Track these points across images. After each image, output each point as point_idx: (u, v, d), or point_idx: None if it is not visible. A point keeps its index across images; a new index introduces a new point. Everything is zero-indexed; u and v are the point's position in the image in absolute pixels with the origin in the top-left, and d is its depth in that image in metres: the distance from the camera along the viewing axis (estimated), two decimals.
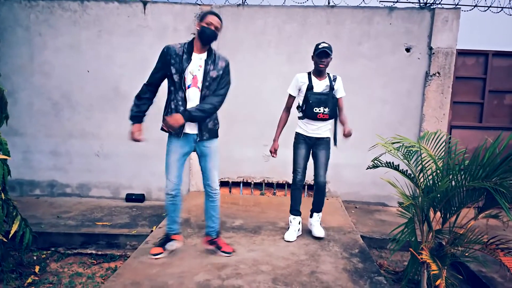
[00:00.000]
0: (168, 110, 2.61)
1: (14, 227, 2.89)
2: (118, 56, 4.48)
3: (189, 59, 2.53)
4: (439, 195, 2.33)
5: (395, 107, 4.51)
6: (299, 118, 3.18)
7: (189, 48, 2.56)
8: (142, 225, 3.78)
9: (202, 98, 2.57)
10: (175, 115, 2.50)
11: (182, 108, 2.54)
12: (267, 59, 4.47)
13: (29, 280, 2.93)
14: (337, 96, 3.15)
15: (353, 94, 4.25)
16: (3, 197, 2.79)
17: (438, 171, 2.43)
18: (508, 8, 4.41)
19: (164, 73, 2.59)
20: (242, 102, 4.39)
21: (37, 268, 3.09)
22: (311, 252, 2.97)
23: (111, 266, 3.24)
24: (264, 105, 4.46)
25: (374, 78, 4.46)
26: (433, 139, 2.65)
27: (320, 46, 2.98)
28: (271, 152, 3.25)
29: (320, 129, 3.12)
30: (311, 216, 3.34)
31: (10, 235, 2.89)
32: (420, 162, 2.53)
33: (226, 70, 2.65)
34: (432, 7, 4.35)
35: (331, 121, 3.20)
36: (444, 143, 2.61)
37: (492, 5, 4.34)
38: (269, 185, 4.79)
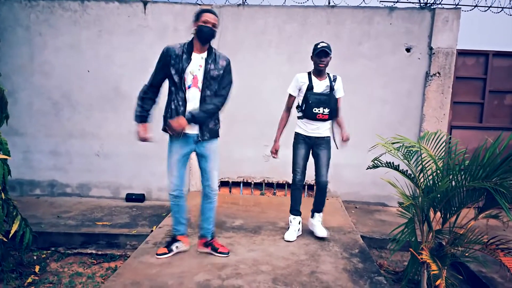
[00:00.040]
0: (168, 111, 2.60)
1: (14, 227, 2.89)
2: (118, 56, 4.48)
3: (189, 59, 2.52)
4: (439, 195, 2.33)
5: (395, 107, 4.51)
6: (299, 118, 3.17)
7: (189, 48, 2.55)
8: (142, 225, 3.78)
9: (203, 98, 2.55)
10: (178, 118, 2.50)
11: (182, 108, 2.53)
12: (267, 59, 4.47)
13: (29, 279, 2.93)
14: (336, 96, 3.15)
15: (353, 94, 4.26)
16: (3, 197, 2.79)
17: (438, 171, 2.43)
18: (509, 8, 4.41)
19: (165, 74, 2.57)
20: (242, 102, 4.39)
21: (37, 268, 3.09)
22: (311, 252, 2.97)
23: (111, 266, 3.24)
24: (264, 105, 4.46)
25: (374, 78, 4.46)
26: (433, 139, 2.65)
27: (319, 46, 2.98)
28: (272, 153, 3.25)
29: (320, 129, 3.12)
30: (312, 216, 3.34)
31: (10, 235, 2.89)
32: (420, 162, 2.53)
33: (227, 69, 2.64)
34: (432, 7, 4.35)
35: (331, 121, 3.20)
36: (444, 143, 2.61)
37: (492, 5, 4.34)
38: (269, 185, 4.79)
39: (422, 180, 2.53)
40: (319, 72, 3.07)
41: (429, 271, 2.35)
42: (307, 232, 3.36)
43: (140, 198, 4.63)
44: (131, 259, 2.76)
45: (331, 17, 4.39)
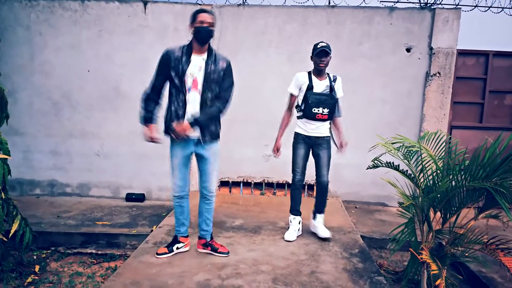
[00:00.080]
0: (168, 113, 2.61)
1: (14, 227, 2.89)
2: (118, 55, 4.49)
3: (188, 61, 2.52)
4: (439, 195, 2.33)
5: (396, 107, 4.51)
6: (298, 118, 3.17)
7: (188, 50, 2.54)
8: (142, 225, 3.78)
9: (203, 100, 2.54)
10: (182, 123, 2.50)
11: (182, 110, 2.53)
12: (268, 59, 4.47)
13: (29, 279, 2.93)
14: (336, 96, 3.15)
15: (353, 94, 4.26)
16: (3, 197, 2.79)
17: (438, 171, 2.43)
18: (509, 8, 4.41)
19: (165, 77, 2.57)
20: (242, 102, 4.38)
21: (37, 268, 3.09)
22: (311, 252, 2.97)
23: (111, 266, 3.24)
24: (264, 105, 4.46)
25: (374, 78, 4.46)
26: (433, 139, 2.65)
27: (318, 46, 2.98)
28: (273, 151, 3.24)
29: (320, 128, 3.12)
30: (314, 218, 3.32)
31: (10, 235, 2.89)
32: (420, 162, 2.53)
33: (228, 70, 2.63)
34: (432, 7, 4.35)
35: (330, 121, 3.20)
36: (444, 143, 2.61)
37: (492, 5, 4.34)
38: (269, 185, 4.79)
39: (422, 180, 2.53)
40: (319, 72, 3.07)
41: (429, 271, 2.35)
42: (307, 232, 3.36)
43: (140, 198, 4.63)
44: (131, 258, 2.77)
45: (331, 17, 4.39)
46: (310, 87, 3.05)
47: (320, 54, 2.97)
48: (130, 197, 4.63)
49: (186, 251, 2.89)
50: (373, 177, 4.11)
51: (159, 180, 4.64)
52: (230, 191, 4.76)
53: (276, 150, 3.23)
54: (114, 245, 3.54)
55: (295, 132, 3.22)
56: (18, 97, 4.54)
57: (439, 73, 4.37)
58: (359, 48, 4.42)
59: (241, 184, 4.78)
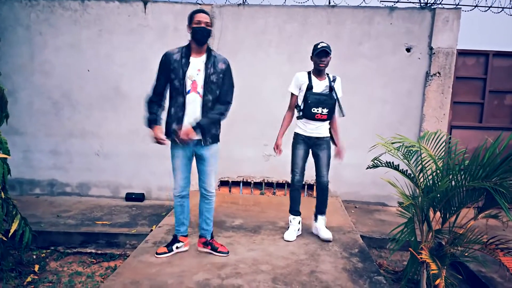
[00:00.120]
0: (168, 115, 2.62)
1: (14, 226, 2.89)
2: (118, 55, 4.48)
3: (187, 63, 2.53)
4: (439, 195, 2.33)
5: (396, 107, 4.50)
6: (298, 118, 3.17)
7: (186, 52, 2.55)
8: (141, 225, 3.78)
9: (205, 103, 2.56)
10: (186, 129, 2.52)
11: (181, 113, 2.55)
12: (268, 58, 4.47)
13: (29, 279, 2.93)
14: (335, 97, 3.14)
15: (353, 94, 4.26)
16: (3, 196, 2.79)
17: (438, 171, 2.43)
18: (509, 8, 4.40)
19: (166, 80, 2.59)
20: (242, 101, 4.37)
21: (36, 267, 3.09)
22: (311, 252, 2.97)
23: (110, 265, 3.24)
24: (264, 104, 4.46)
25: (374, 78, 4.46)
26: (433, 139, 2.65)
27: (319, 46, 2.98)
28: (275, 149, 3.21)
29: (320, 129, 3.12)
30: (315, 220, 3.31)
31: (10, 234, 2.89)
32: (420, 162, 2.53)
33: (227, 72, 2.64)
34: (432, 7, 4.35)
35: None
36: (444, 143, 2.61)
37: (492, 5, 4.34)
38: (269, 184, 4.79)
39: (422, 180, 2.53)
40: (319, 72, 3.07)
41: (428, 270, 2.34)
42: (307, 232, 3.36)
43: (140, 197, 4.63)
44: (130, 258, 2.77)
45: (331, 17, 4.39)
46: (309, 87, 3.05)
47: (321, 54, 2.97)
48: (129, 197, 4.63)
49: (186, 250, 2.89)
50: (373, 177, 4.10)
51: (159, 180, 4.64)
52: (229, 191, 4.76)
53: (276, 147, 3.22)
54: (114, 244, 3.54)
55: (294, 132, 3.21)
56: (18, 97, 4.54)
57: (439, 73, 4.37)
58: (359, 48, 4.42)
59: (241, 184, 4.78)
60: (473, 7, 4.37)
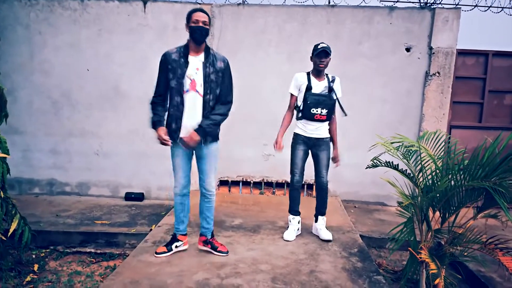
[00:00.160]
0: (168, 115, 2.62)
1: (13, 226, 2.89)
2: (118, 55, 4.48)
3: (186, 63, 2.53)
4: (438, 195, 2.33)
5: (395, 107, 4.51)
6: (297, 118, 3.17)
7: (185, 51, 2.56)
8: (141, 224, 3.78)
9: (205, 102, 2.56)
10: (190, 134, 2.52)
11: (179, 113, 2.55)
12: (267, 58, 4.47)
13: (28, 278, 2.93)
14: (334, 97, 3.14)
15: (353, 94, 4.26)
16: (2, 196, 2.78)
17: (438, 171, 2.43)
18: (509, 8, 4.41)
19: (167, 80, 2.59)
20: (242, 101, 4.37)
21: (36, 267, 3.09)
22: (310, 251, 2.97)
23: (110, 265, 3.24)
24: (264, 104, 4.46)
25: (374, 78, 4.46)
26: (432, 138, 2.65)
27: (319, 46, 2.98)
28: (274, 145, 3.16)
29: (319, 129, 3.12)
30: (316, 220, 3.31)
31: (9, 234, 2.89)
32: (420, 161, 2.53)
33: (226, 71, 2.64)
34: (432, 7, 4.35)
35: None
36: (443, 143, 2.61)
37: (492, 5, 4.34)
38: (269, 184, 4.79)
39: (421, 179, 2.53)
40: (318, 72, 3.07)
41: (428, 270, 2.34)
42: (307, 232, 3.36)
43: (139, 197, 4.63)
44: (130, 258, 2.76)
45: (331, 16, 4.39)
46: (309, 87, 3.05)
47: (321, 55, 2.97)
48: (129, 196, 4.63)
49: (185, 249, 2.89)
50: (373, 176, 4.11)
51: (158, 179, 4.64)
52: (229, 191, 4.76)
53: (276, 143, 3.18)
54: (113, 244, 3.53)
55: (294, 133, 3.21)
56: (17, 96, 4.54)
57: (438, 72, 4.37)
58: (359, 48, 4.42)
59: (240, 184, 4.78)
60: (473, 7, 4.37)
